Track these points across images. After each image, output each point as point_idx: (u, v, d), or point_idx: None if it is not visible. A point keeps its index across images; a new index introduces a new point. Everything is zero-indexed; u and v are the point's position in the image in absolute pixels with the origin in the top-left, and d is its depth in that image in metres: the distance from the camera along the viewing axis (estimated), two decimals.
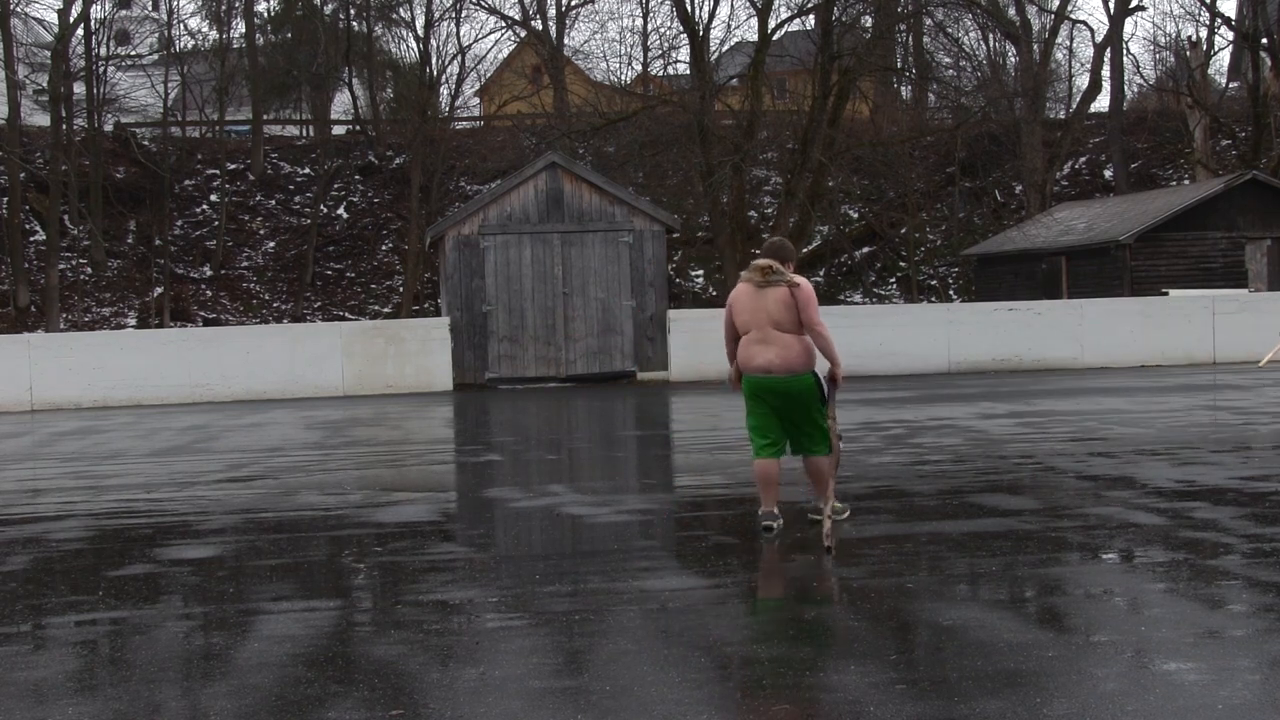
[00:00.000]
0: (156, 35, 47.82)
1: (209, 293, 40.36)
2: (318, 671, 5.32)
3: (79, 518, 9.63)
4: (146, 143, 45.44)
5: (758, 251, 8.50)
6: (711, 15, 50.22)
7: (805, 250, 34.02)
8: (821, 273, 42.01)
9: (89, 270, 40.18)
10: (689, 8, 32.23)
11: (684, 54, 35.96)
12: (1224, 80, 47.66)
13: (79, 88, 42.31)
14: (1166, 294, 26.75)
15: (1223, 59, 48.05)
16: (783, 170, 35.47)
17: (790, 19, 32.21)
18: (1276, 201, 29.79)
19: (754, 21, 32.26)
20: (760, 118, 31.47)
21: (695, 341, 23.19)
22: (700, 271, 41.89)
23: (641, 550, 7.85)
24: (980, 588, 6.68)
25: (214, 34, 47.35)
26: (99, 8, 43.32)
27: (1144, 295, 26.90)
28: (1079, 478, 10.15)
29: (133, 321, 38.05)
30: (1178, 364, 23.55)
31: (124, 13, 47.09)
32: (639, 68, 46.30)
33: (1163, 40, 57.84)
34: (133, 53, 46.75)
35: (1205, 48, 42.95)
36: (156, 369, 21.72)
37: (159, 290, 38.84)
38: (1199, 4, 42.84)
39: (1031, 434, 13.39)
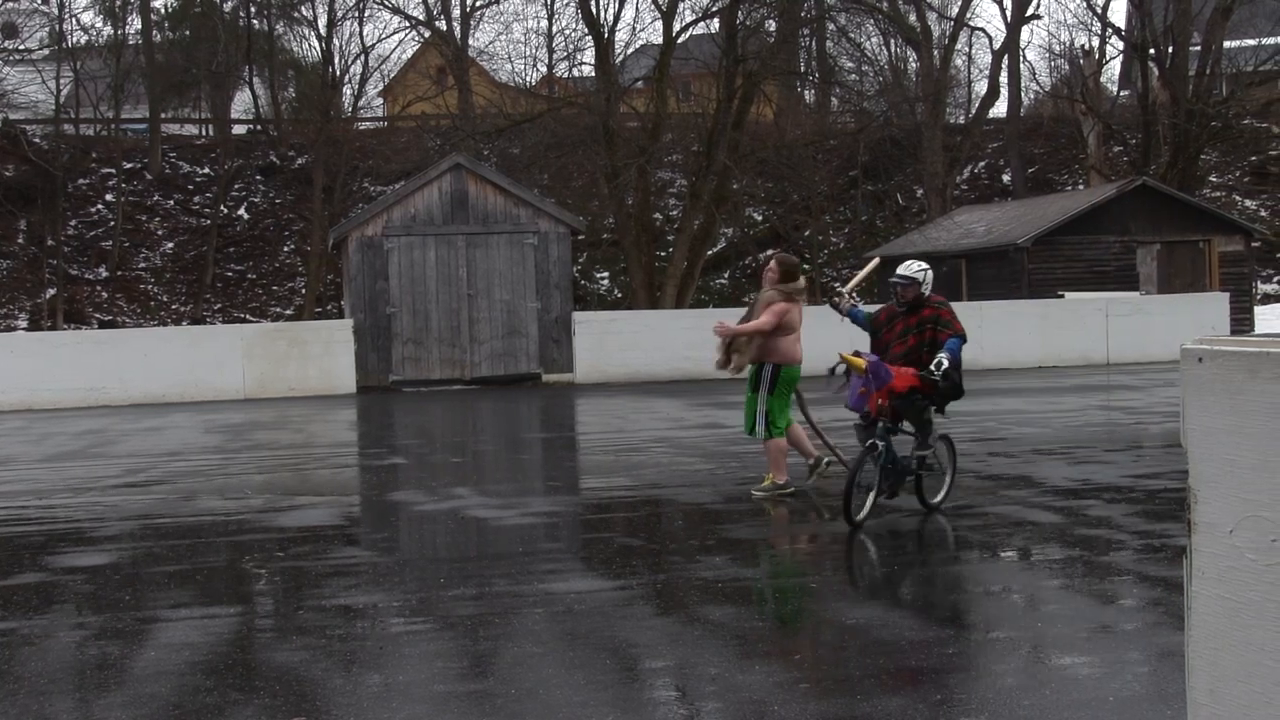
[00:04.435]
0: (47, 29, 46.57)
1: (105, 294, 39.43)
2: (217, 679, 5.23)
3: None
4: (38, 140, 44.24)
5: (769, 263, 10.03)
6: (617, 17, 50.29)
7: (710, 253, 34.16)
8: (726, 275, 42.26)
9: None
10: (594, 10, 32.22)
11: (589, 56, 35.98)
12: (1116, 88, 48.84)
13: None
14: (1063, 296, 27.32)
15: (1115, 68, 49.23)
16: (687, 173, 35.62)
17: (695, 22, 32.31)
18: (1165, 207, 30.59)
19: (659, 24, 32.25)
20: (665, 120, 31.54)
21: (601, 344, 23.19)
22: (605, 273, 41.91)
23: (547, 553, 7.84)
24: (883, 586, 6.77)
25: (108, 29, 46.28)
26: None
27: (1041, 297, 27.45)
28: (979, 477, 10.34)
29: (24, 324, 37.03)
30: (1073, 365, 24.08)
31: (11, 5, 45.77)
32: (544, 69, 46.14)
33: (1058, 49, 59.21)
34: (21, 47, 45.48)
35: (1098, 57, 43.96)
36: (50, 372, 21.15)
37: (52, 292, 37.85)
38: (1091, 15, 43.86)
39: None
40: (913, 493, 8.67)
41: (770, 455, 9.67)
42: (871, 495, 8.23)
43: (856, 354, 8.42)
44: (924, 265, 8.55)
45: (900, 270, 8.56)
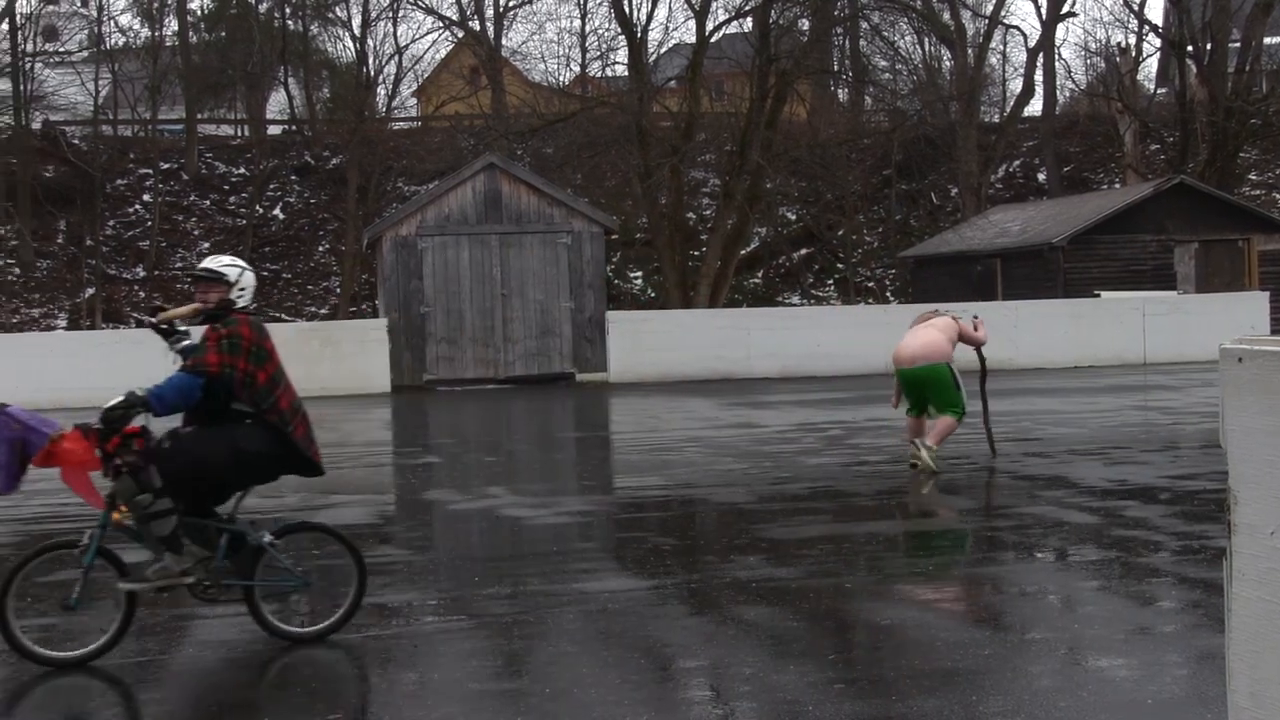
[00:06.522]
0: (86, 32, 47.04)
1: (142, 294, 39.77)
2: (253, 676, 5.26)
3: (4, 523, 9.46)
4: (76, 141, 44.66)
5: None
6: (649, 17, 50.19)
7: (743, 252, 34.04)
8: (760, 274, 42.14)
9: (17, 271, 39.42)
10: (627, 9, 32.23)
11: (622, 55, 36.01)
12: (1153, 86, 48.41)
13: (4, 84, 41.48)
14: (1098, 296, 27.11)
15: (1151, 65, 48.81)
16: (721, 172, 35.56)
17: (728, 21, 32.25)
18: (1203, 205, 30.30)
19: (692, 23, 32.23)
20: (698, 119, 31.50)
21: (634, 343, 23.17)
22: (639, 273, 41.89)
23: (581, 552, 7.85)
24: (917, 587, 6.74)
25: (146, 31, 46.68)
26: (25, 3, 42.60)
27: (1077, 297, 27.25)
28: (1014, 477, 10.28)
29: (63, 323, 37.39)
30: (1109, 365, 23.88)
31: (51, 8, 46.25)
32: (577, 69, 46.15)
33: (1093, 46, 58.76)
34: (61, 49, 45.95)
35: (1134, 54, 43.58)
36: (86, 370, 21.31)
37: (90, 291, 38.21)
38: (1128, 11, 43.52)
39: (967, 434, 13.52)
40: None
41: (942, 428, 10.70)
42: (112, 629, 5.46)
43: None
44: (239, 263, 6.01)
45: (204, 263, 5.96)
